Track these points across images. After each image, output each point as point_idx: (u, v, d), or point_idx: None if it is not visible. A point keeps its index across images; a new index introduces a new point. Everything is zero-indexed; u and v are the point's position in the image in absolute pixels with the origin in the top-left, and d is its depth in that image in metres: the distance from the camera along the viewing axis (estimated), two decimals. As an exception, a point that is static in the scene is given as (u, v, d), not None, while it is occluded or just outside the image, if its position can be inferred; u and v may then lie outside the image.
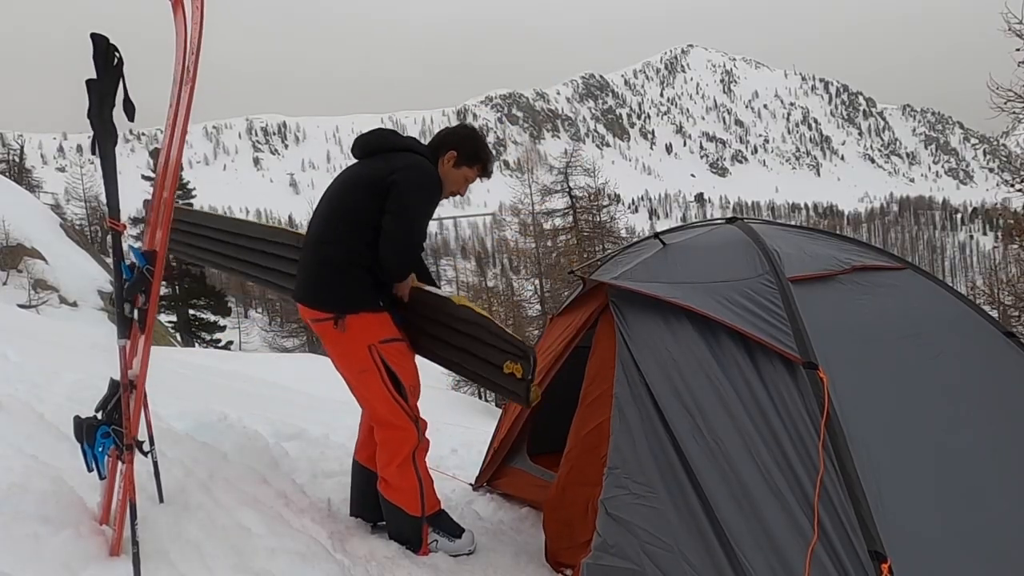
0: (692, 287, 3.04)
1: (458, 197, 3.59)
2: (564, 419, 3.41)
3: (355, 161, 3.36)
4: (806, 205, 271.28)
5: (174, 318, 34.96)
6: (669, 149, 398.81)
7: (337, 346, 3.23)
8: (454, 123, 4.37)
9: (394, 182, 3.07)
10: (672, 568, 2.53)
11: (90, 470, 2.46)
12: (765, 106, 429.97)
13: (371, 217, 3.09)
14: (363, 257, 3.10)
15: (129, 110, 2.30)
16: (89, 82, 2.25)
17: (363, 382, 3.24)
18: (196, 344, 33.33)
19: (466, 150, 3.36)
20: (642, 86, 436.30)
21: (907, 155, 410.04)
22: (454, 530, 3.43)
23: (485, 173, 3.44)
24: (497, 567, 3.31)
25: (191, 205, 40.32)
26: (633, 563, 2.60)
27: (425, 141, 3.42)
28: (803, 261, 3.16)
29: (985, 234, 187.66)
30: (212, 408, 5.29)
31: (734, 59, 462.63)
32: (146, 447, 2.79)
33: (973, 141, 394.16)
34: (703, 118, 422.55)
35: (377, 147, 3.29)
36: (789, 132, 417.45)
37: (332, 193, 3.30)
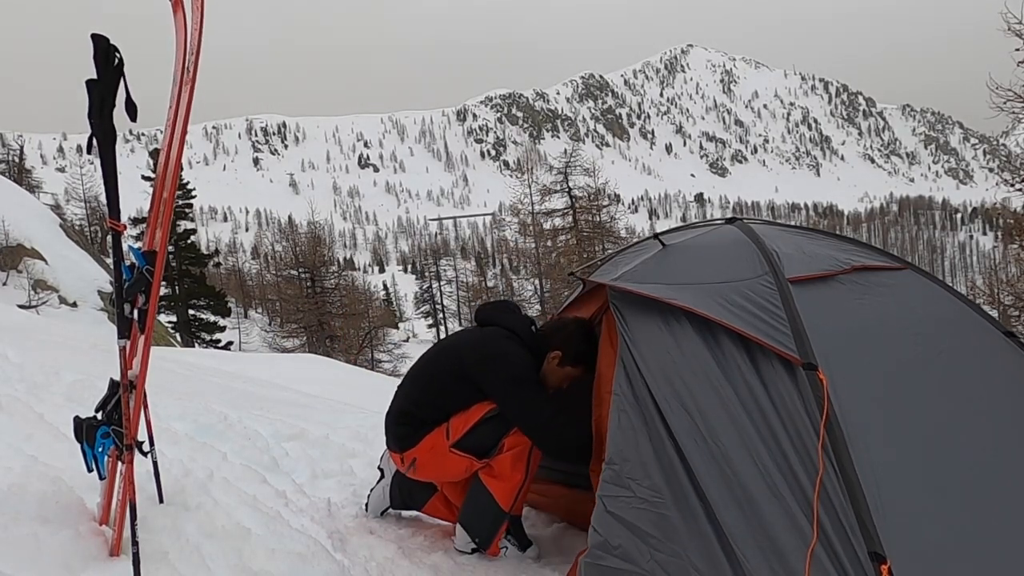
0: (692, 288, 3.03)
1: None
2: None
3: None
4: (806, 205, 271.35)
5: (174, 318, 34.96)
6: (669, 149, 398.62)
7: (433, 474, 3.44)
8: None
9: (486, 381, 3.27)
10: (680, 575, 2.52)
11: (90, 470, 2.47)
12: (765, 106, 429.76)
13: (448, 387, 3.31)
14: (430, 417, 3.32)
15: (131, 110, 2.30)
16: (89, 82, 2.25)
17: (472, 475, 3.37)
18: (196, 344, 33.34)
19: (571, 351, 3.41)
20: (642, 86, 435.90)
21: (907, 155, 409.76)
22: (525, 541, 3.47)
23: (589, 370, 3.37)
24: (498, 568, 3.31)
25: (191, 206, 40.34)
26: (641, 568, 2.58)
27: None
28: (803, 261, 3.15)
29: (985, 234, 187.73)
30: (212, 408, 5.30)
31: (734, 59, 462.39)
32: (146, 447, 2.79)
33: (973, 141, 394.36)
34: (703, 118, 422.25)
35: (485, 320, 3.51)
36: (789, 132, 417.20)
37: (441, 352, 3.50)
